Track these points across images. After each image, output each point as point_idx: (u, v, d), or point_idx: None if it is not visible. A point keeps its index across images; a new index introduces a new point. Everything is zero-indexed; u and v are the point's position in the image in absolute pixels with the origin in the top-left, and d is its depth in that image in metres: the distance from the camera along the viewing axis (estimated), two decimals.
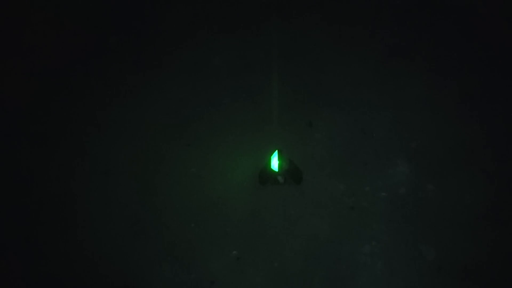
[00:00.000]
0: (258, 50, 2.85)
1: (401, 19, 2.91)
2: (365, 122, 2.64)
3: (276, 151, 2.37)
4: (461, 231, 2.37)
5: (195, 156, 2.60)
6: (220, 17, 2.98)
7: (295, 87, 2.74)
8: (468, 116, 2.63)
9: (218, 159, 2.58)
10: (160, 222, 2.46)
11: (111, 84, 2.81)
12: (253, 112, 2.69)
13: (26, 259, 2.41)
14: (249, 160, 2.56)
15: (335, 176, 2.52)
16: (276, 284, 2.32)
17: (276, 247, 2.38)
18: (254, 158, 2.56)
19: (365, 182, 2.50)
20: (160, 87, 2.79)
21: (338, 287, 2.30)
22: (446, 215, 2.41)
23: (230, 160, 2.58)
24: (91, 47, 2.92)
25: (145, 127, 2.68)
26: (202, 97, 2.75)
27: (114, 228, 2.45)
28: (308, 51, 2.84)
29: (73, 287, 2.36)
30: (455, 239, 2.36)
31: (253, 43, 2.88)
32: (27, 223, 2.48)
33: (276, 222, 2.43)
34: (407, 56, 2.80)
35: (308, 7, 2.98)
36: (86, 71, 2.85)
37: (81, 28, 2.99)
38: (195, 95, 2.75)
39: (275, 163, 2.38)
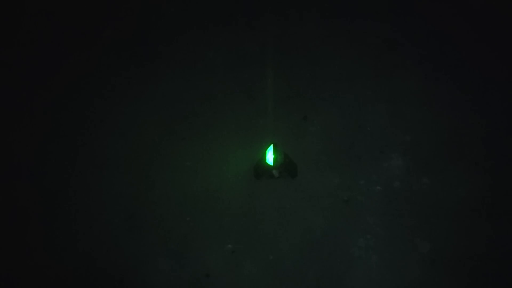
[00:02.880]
0: (253, 44, 2.85)
1: (396, 13, 2.91)
2: (360, 116, 2.64)
3: (271, 145, 2.37)
4: (455, 224, 2.38)
5: (190, 150, 2.59)
6: (214, 11, 2.97)
7: (290, 81, 2.74)
8: (463, 109, 2.64)
9: (213, 152, 2.58)
10: (155, 215, 2.46)
11: (105, 78, 2.80)
12: (248, 106, 2.69)
13: (21, 253, 2.41)
14: (244, 154, 2.56)
15: (330, 169, 2.53)
16: (271, 277, 2.33)
17: (271, 240, 2.39)
18: (249, 152, 2.56)
19: (360, 176, 2.51)
20: (155, 81, 2.78)
21: (333, 280, 2.31)
22: (440, 209, 2.42)
23: (225, 154, 2.58)
24: (85, 42, 2.91)
25: (140, 121, 2.68)
26: (197, 91, 2.74)
27: (110, 222, 2.45)
28: (303, 45, 2.83)
29: (69, 280, 2.37)
30: (450, 233, 2.37)
31: (248, 37, 2.87)
32: (22, 217, 2.48)
33: (271, 215, 2.44)
34: (402, 50, 2.80)
35: (303, 1, 2.97)
36: (79, 65, 2.84)
37: (75, 22, 2.97)
38: (189, 89, 2.75)
39: (270, 157, 2.38)
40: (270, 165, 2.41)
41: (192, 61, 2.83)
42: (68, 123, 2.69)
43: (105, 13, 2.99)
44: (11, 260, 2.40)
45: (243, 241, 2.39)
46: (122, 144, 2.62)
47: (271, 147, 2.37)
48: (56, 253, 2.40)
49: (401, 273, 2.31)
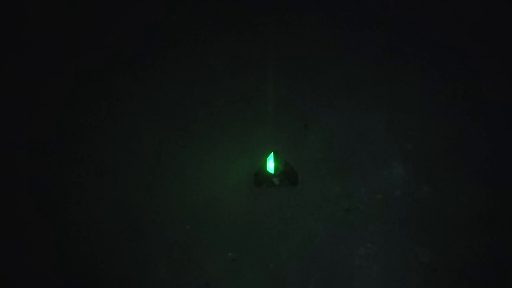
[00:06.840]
0: (254, 51, 2.84)
1: (397, 20, 2.91)
2: (361, 124, 2.64)
3: (272, 153, 2.37)
4: (456, 233, 2.38)
5: (191, 157, 2.59)
6: (215, 17, 2.97)
7: (290, 89, 2.74)
8: (464, 117, 2.63)
9: (214, 160, 2.58)
10: (155, 223, 2.45)
11: (105, 85, 2.80)
12: (249, 113, 2.69)
13: (21, 260, 2.40)
14: (245, 161, 2.56)
15: (331, 178, 2.52)
16: (271, 286, 2.32)
17: (271, 249, 2.38)
18: (249, 160, 2.56)
19: (361, 184, 2.50)
20: (155, 88, 2.78)
21: None
22: (441, 217, 2.41)
23: (225, 162, 2.57)
24: (85, 48, 2.91)
25: (140, 128, 2.67)
26: (198, 98, 2.74)
27: (109, 229, 2.45)
28: (304, 52, 2.83)
29: None
30: (451, 241, 2.36)
31: (249, 44, 2.87)
32: (21, 224, 2.47)
33: (271, 224, 2.43)
34: (403, 57, 2.80)
35: (304, 8, 2.97)
36: (80, 71, 2.84)
37: (76, 28, 2.97)
38: (190, 96, 2.74)
39: (270, 165, 2.38)
40: (271, 173, 2.40)
41: (193, 69, 2.82)
42: (68, 130, 2.69)
43: (106, 21, 2.99)
44: (9, 267, 2.39)
45: (243, 249, 2.39)
46: (122, 152, 2.62)
47: (271, 155, 2.37)
48: (55, 261, 2.40)
49: (402, 282, 2.30)
